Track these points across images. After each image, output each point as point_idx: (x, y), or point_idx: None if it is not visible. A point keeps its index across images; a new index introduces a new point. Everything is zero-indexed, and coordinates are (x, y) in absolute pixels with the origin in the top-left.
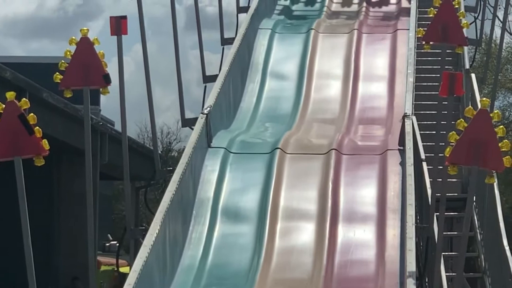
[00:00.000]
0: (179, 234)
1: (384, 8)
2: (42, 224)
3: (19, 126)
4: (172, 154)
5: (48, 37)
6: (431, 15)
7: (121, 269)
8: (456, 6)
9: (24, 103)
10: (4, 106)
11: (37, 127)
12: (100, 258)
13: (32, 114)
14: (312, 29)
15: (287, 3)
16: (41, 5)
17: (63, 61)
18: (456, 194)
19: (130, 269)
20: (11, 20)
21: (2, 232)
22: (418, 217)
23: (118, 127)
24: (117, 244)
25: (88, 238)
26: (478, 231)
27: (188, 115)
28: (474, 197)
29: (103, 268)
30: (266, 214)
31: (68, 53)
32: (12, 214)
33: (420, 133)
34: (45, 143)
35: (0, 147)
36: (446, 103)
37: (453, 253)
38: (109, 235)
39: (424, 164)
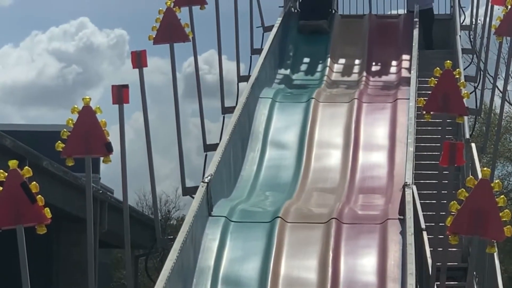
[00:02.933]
0: None
1: (384, 78)
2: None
3: (22, 195)
4: (171, 222)
5: (47, 105)
6: (431, 85)
7: None
8: (457, 76)
9: (27, 171)
10: (6, 174)
11: (39, 196)
12: None
13: (34, 182)
14: (312, 98)
15: (288, 72)
16: (40, 73)
17: (65, 129)
18: (456, 263)
19: None
20: (10, 87)
21: None
22: (418, 287)
23: (117, 195)
24: None
25: None
26: None
27: (188, 183)
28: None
29: None
30: (267, 283)
31: (70, 121)
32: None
33: (420, 202)
34: (47, 212)
35: (3, 215)
36: (446, 172)
37: None
38: None
39: (425, 233)
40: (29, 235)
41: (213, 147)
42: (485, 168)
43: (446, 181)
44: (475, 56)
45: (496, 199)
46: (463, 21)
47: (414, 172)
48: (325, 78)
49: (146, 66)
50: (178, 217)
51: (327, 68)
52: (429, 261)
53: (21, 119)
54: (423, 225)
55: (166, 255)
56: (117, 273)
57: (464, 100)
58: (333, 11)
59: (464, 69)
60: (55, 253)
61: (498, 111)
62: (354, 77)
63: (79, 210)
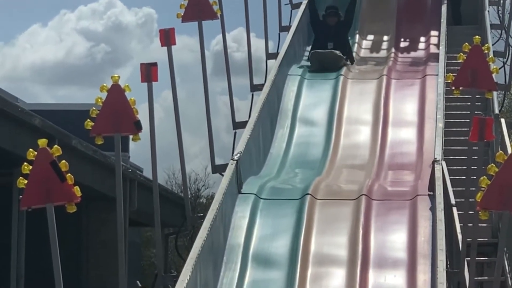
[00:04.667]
0: (210, 280)
1: (412, 54)
2: (71, 272)
3: (51, 173)
4: (201, 201)
5: (76, 84)
6: (460, 60)
7: None
8: (485, 52)
9: (56, 150)
10: (36, 153)
11: (69, 174)
12: None
13: (64, 161)
14: (341, 75)
15: None
16: (69, 52)
17: (94, 108)
18: (486, 239)
19: None
20: (38, 66)
21: (31, 280)
22: (448, 262)
23: (146, 173)
24: None
25: (119, 286)
26: (509, 276)
27: (218, 161)
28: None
29: None
30: (297, 260)
31: (99, 100)
32: (42, 261)
33: (450, 178)
34: (77, 190)
35: (32, 194)
36: (476, 148)
37: None
38: (138, 282)
39: (455, 209)
40: (59, 214)
41: (242, 124)
42: None
43: (475, 157)
44: (503, 31)
45: None
46: None
47: (443, 148)
48: (353, 55)
49: (174, 44)
50: (208, 195)
51: (356, 45)
52: (459, 237)
53: (50, 99)
54: (453, 201)
55: (196, 233)
56: (147, 252)
57: (493, 75)
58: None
59: (492, 45)
60: (85, 232)
61: None
62: (383, 53)
63: (109, 189)
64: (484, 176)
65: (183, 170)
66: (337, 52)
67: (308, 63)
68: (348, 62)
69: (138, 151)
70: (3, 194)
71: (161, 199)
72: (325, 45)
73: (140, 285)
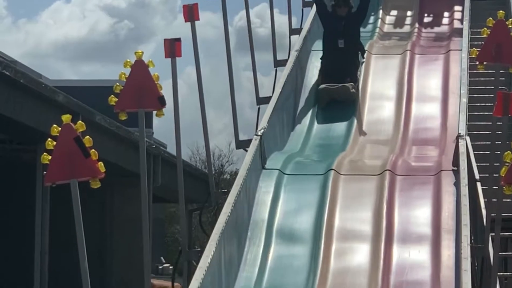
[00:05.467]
0: (234, 255)
1: (436, 29)
2: (95, 248)
3: (75, 149)
4: (225, 177)
5: (99, 60)
6: (484, 35)
7: None
8: (510, 26)
9: (80, 125)
10: (60, 129)
11: (93, 150)
12: (154, 281)
13: (88, 136)
14: (365, 50)
15: None
16: (92, 29)
17: (117, 83)
18: (511, 214)
19: None
20: (62, 43)
21: (55, 256)
22: (473, 238)
23: (170, 149)
24: (171, 267)
25: (144, 262)
26: None
27: (242, 137)
28: None
29: None
30: (321, 235)
31: (123, 75)
32: (66, 238)
33: (474, 154)
34: (101, 166)
35: (57, 170)
36: (500, 123)
37: (508, 273)
38: (162, 257)
39: (479, 184)
40: (83, 190)
41: (266, 100)
42: None
43: (499, 132)
44: None
45: None
46: None
47: (467, 123)
48: (377, 30)
49: (198, 19)
50: (232, 171)
51: (379, 20)
52: (484, 212)
53: (73, 75)
54: (477, 176)
55: (220, 209)
56: (171, 228)
57: None
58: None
59: None
60: (109, 208)
61: None
62: (406, 28)
63: (133, 165)
64: (509, 151)
65: (207, 146)
66: (349, 86)
67: None
68: (357, 93)
69: (161, 127)
70: (27, 170)
71: (185, 175)
72: (335, 43)
73: (164, 261)
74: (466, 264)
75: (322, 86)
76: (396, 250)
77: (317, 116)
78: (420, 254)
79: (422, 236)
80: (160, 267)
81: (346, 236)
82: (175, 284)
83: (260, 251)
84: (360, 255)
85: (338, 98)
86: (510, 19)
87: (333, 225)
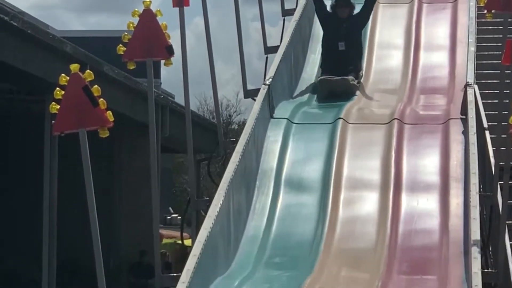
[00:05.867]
0: (243, 204)
1: None
2: (104, 197)
3: (84, 98)
4: (233, 127)
5: (106, 11)
6: None
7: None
8: None
9: (88, 75)
10: (68, 78)
11: (101, 99)
12: (162, 231)
13: (96, 86)
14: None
15: None
16: None
17: (126, 33)
18: None
19: (192, 241)
20: None
21: (64, 206)
22: (481, 186)
23: (178, 99)
24: (179, 217)
25: (153, 211)
26: None
27: (250, 87)
28: None
29: (165, 241)
30: (329, 184)
31: (131, 25)
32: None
33: (482, 102)
34: (109, 115)
35: (65, 119)
36: (509, 71)
37: None
38: (170, 208)
39: (487, 133)
40: (92, 141)
41: (274, 49)
42: None
43: (508, 80)
44: None
45: None
46: None
47: (475, 71)
48: None
49: (187, 5)
50: (239, 121)
51: None
52: (492, 160)
53: (80, 26)
54: (485, 124)
55: (228, 159)
56: (179, 178)
57: None
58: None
59: None
60: (117, 158)
61: None
62: None
63: (141, 115)
64: None
65: (215, 95)
66: (350, 79)
67: None
68: (359, 84)
69: (169, 78)
70: (35, 121)
71: (193, 125)
72: (335, 45)
73: (172, 211)
74: (475, 213)
75: (322, 77)
76: (404, 199)
77: None
78: (429, 203)
79: (430, 185)
80: (168, 217)
81: (355, 185)
82: (184, 234)
83: (269, 200)
84: (368, 204)
85: (338, 90)
86: None
87: (341, 174)
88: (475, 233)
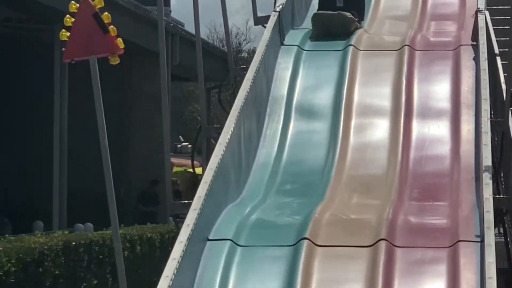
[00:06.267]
0: (254, 131)
1: None
2: (114, 126)
3: (94, 25)
4: (242, 55)
5: None
6: None
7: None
8: None
9: (98, 2)
10: (78, 5)
11: (112, 26)
12: (173, 160)
13: (106, 13)
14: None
15: None
16: None
17: None
18: None
19: (203, 169)
20: None
21: (75, 134)
22: (492, 112)
23: (188, 28)
24: (189, 145)
25: (164, 140)
26: None
27: (260, 14)
28: None
29: (175, 169)
30: (340, 111)
31: None
32: (85, 117)
33: (493, 28)
34: (120, 42)
35: (75, 46)
36: None
37: None
38: (180, 136)
39: (498, 59)
40: (102, 69)
41: None
42: None
43: None
44: None
45: None
46: None
47: None
48: None
49: None
50: (249, 49)
51: None
52: (503, 86)
53: None
54: (496, 51)
55: (238, 87)
56: (189, 107)
57: None
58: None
59: None
60: (128, 87)
61: None
62: None
63: (151, 44)
64: None
65: (225, 21)
66: (347, 14)
67: None
68: (361, 25)
69: (179, 6)
70: (45, 50)
71: (203, 53)
72: (333, 2)
73: (182, 139)
74: (486, 139)
75: (316, 12)
76: (415, 125)
77: None
78: (440, 129)
79: (441, 111)
80: (179, 145)
81: (366, 111)
82: (194, 162)
83: (280, 127)
84: (379, 130)
85: (334, 27)
86: None
87: (352, 100)
88: (487, 159)
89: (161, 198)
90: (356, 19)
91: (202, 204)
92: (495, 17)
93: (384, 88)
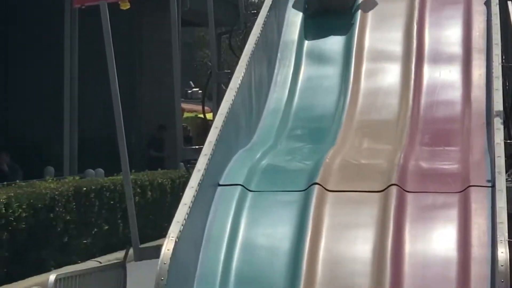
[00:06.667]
0: (264, 77)
1: None
2: (125, 72)
3: None
4: (253, 0)
5: None
6: None
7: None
8: None
9: None
10: None
11: None
12: (183, 105)
13: None
14: None
15: None
16: None
17: None
18: None
19: (214, 114)
20: None
21: (84, 80)
22: (503, 57)
23: None
24: (200, 91)
25: (174, 85)
26: None
27: None
28: None
29: (186, 115)
30: (351, 56)
31: None
32: (95, 62)
33: None
34: None
35: None
36: None
37: None
38: (191, 82)
39: (510, 3)
40: (112, 15)
41: None
42: None
43: None
44: None
45: None
46: None
47: None
48: None
49: None
50: None
51: None
52: None
53: None
54: None
55: (249, 32)
56: (200, 52)
57: None
58: None
59: None
60: (138, 33)
61: None
62: None
63: None
64: None
65: None
66: None
67: None
68: None
69: None
70: None
71: None
72: None
73: (193, 85)
74: (497, 84)
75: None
76: (426, 70)
77: None
78: (451, 74)
79: (452, 56)
80: (189, 91)
81: (377, 56)
82: (205, 107)
83: (290, 72)
84: (390, 75)
85: (332, 5)
86: None
87: (363, 46)
88: (498, 104)
89: (168, 144)
90: None
91: (213, 149)
92: None
93: (395, 33)
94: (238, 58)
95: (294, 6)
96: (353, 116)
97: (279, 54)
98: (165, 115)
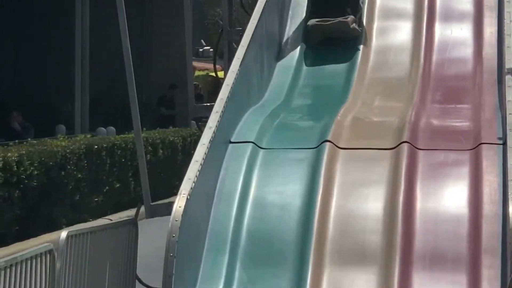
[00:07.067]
0: (276, 34)
1: None
2: (136, 32)
3: None
4: None
5: None
6: None
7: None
8: None
9: None
10: None
11: None
12: (195, 63)
13: None
14: None
15: None
16: None
17: None
18: None
19: (225, 73)
20: None
21: (95, 49)
22: None
23: None
24: (211, 49)
25: (186, 43)
26: None
27: None
28: None
29: (197, 73)
30: (363, 13)
31: None
32: (105, 19)
33: None
34: None
35: None
36: None
37: None
38: (202, 40)
39: None
40: None
41: None
42: None
43: None
44: None
45: None
46: None
47: None
48: None
49: None
50: None
51: None
52: None
53: None
54: None
55: None
56: (211, 11)
57: None
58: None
59: None
60: None
61: None
62: None
63: None
64: None
65: None
66: (349, 20)
67: None
68: (361, 28)
69: None
70: None
71: None
72: None
73: (204, 43)
74: (509, 41)
75: (312, 21)
76: (438, 28)
77: None
78: (462, 32)
79: (464, 13)
80: (201, 50)
81: (388, 14)
82: (217, 66)
83: (302, 29)
84: (402, 33)
85: (334, 35)
86: None
87: (374, 3)
88: (509, 62)
89: (178, 102)
90: (359, 28)
91: (224, 106)
92: None
93: None
94: (250, 15)
95: None
96: (364, 73)
97: (290, 12)
98: (176, 73)
